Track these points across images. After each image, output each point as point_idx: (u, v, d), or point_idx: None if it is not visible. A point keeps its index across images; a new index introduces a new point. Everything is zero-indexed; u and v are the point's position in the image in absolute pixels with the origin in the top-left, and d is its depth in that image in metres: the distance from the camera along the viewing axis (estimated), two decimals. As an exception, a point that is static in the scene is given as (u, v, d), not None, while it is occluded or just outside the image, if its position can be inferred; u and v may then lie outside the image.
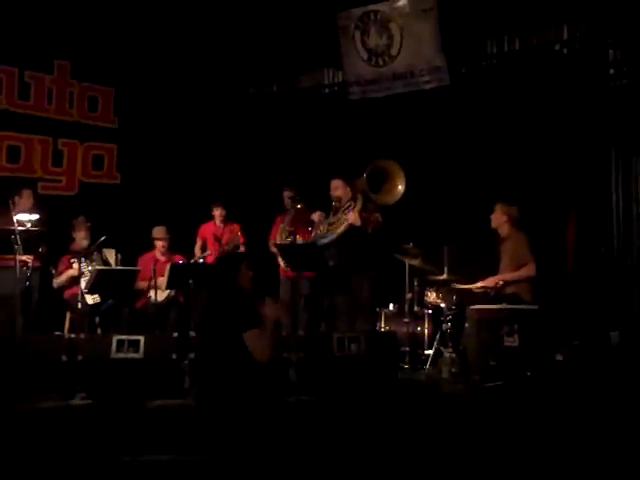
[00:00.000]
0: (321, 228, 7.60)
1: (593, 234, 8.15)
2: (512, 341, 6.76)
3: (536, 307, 7.02)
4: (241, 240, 8.45)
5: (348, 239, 7.41)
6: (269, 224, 8.45)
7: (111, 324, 7.72)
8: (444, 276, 7.55)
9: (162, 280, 7.73)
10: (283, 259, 7.88)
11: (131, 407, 5.93)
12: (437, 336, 7.58)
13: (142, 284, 7.88)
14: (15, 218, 7.17)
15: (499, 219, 7.54)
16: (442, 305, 7.57)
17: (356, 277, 7.44)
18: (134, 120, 9.80)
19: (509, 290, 7.29)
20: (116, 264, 8.00)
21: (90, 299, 7.65)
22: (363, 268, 7.46)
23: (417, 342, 7.83)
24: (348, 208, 7.47)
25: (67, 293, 7.83)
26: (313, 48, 9.54)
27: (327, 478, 4.13)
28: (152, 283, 7.73)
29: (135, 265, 8.05)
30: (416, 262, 7.76)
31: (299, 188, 8.16)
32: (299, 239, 7.82)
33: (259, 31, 9.58)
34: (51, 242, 7.79)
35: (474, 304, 7.18)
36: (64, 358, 6.30)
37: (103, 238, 7.59)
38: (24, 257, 7.23)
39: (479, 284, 7.46)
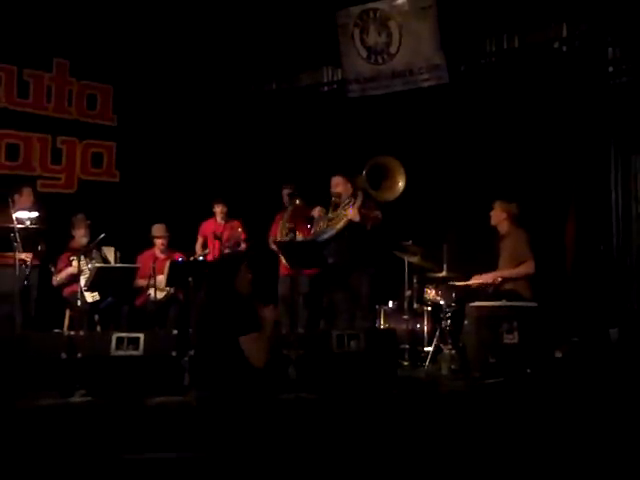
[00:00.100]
0: (321, 224, 7.62)
1: (592, 232, 8.16)
2: (511, 338, 6.76)
3: (535, 304, 7.03)
4: (242, 237, 8.46)
5: (347, 235, 7.43)
6: (269, 221, 8.45)
7: (111, 322, 7.72)
8: (443, 273, 7.55)
9: (161, 278, 7.73)
10: (283, 257, 7.89)
11: (131, 404, 5.92)
12: (436, 333, 7.57)
13: (141, 282, 7.89)
14: (14, 216, 7.18)
15: (499, 216, 7.55)
16: (441, 302, 7.56)
17: (355, 274, 7.46)
18: (133, 118, 9.80)
19: (508, 287, 7.29)
20: (115, 262, 8.01)
21: (89, 297, 7.66)
22: (362, 265, 7.48)
23: (416, 339, 7.83)
24: (348, 204, 7.49)
25: (66, 291, 7.83)
26: (312, 46, 9.54)
27: (327, 475, 4.13)
28: (151, 281, 7.73)
29: (134, 263, 8.05)
30: (415, 259, 7.76)
31: (298, 185, 8.17)
32: (298, 235, 7.83)
33: (259, 29, 9.58)
34: (50, 240, 7.79)
35: (473, 301, 7.18)
36: (64, 355, 6.28)
37: (102, 236, 7.59)
38: (23, 255, 7.24)
39: (477, 280, 7.47)
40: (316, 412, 5.76)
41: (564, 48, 8.30)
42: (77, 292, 7.41)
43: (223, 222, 8.60)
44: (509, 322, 6.79)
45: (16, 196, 7.68)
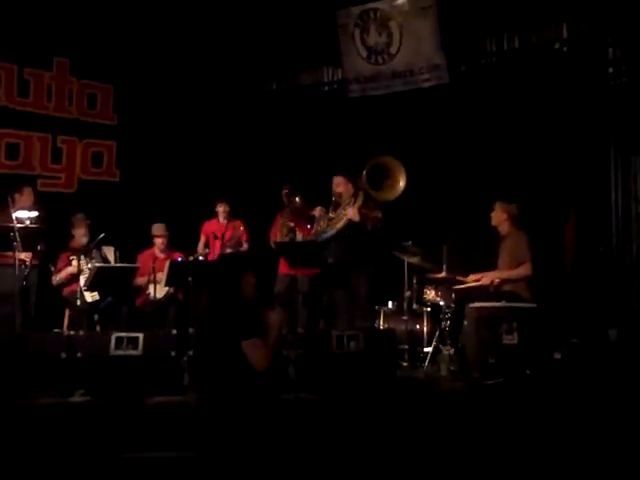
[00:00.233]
0: (321, 223, 7.64)
1: (592, 232, 8.16)
2: (511, 339, 6.76)
3: (535, 305, 7.03)
4: (244, 237, 8.47)
5: (347, 235, 7.46)
6: (271, 221, 8.44)
7: (110, 321, 7.72)
8: (443, 274, 7.55)
9: (161, 277, 7.72)
10: (283, 257, 7.90)
11: (130, 404, 5.93)
12: (436, 334, 7.57)
13: (141, 280, 7.89)
14: (14, 215, 7.17)
15: (499, 217, 7.55)
16: (441, 303, 7.56)
17: (354, 273, 7.47)
18: (133, 117, 9.79)
19: (507, 288, 7.29)
20: (115, 261, 8.00)
21: (89, 296, 7.66)
22: (362, 265, 7.49)
23: (416, 340, 7.82)
24: (349, 204, 7.51)
25: (66, 290, 7.82)
26: (313, 46, 9.54)
27: (326, 475, 4.13)
28: (151, 279, 7.73)
29: (134, 262, 8.05)
30: (415, 260, 7.76)
31: (297, 184, 8.17)
32: (298, 235, 7.85)
33: (259, 29, 9.57)
34: (50, 239, 7.79)
35: (473, 302, 7.18)
36: (63, 355, 6.28)
37: (102, 236, 7.59)
38: (23, 255, 7.23)
39: (474, 279, 7.47)
40: (315, 412, 5.76)
41: (564, 49, 8.29)
42: (77, 292, 7.41)
43: (225, 222, 8.61)
44: (508, 323, 6.80)
45: (16, 195, 7.68)
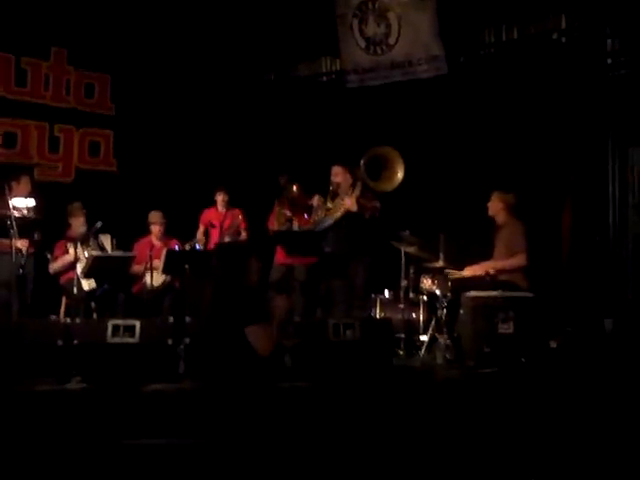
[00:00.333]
0: (319, 213, 7.65)
1: (589, 223, 8.16)
2: (507, 328, 6.78)
3: (531, 295, 7.04)
4: (242, 225, 8.48)
5: (345, 225, 7.46)
6: (269, 210, 8.44)
7: (107, 309, 7.71)
8: (440, 263, 7.56)
9: (158, 265, 7.73)
10: (280, 245, 7.91)
11: (126, 391, 5.93)
12: (432, 323, 7.57)
13: (138, 268, 7.90)
14: (11, 203, 7.17)
15: (496, 207, 7.55)
16: (437, 292, 7.56)
17: (352, 263, 7.48)
18: (131, 107, 9.78)
19: (504, 277, 7.30)
20: (112, 249, 8.00)
21: (86, 284, 7.65)
22: (359, 254, 7.50)
23: (412, 328, 7.83)
24: (347, 194, 7.52)
25: (63, 278, 7.83)
26: (311, 36, 9.54)
27: (322, 463, 4.14)
28: (148, 268, 7.74)
29: (131, 250, 8.06)
30: (412, 249, 7.76)
31: (294, 174, 8.17)
32: (295, 224, 7.86)
33: (257, 19, 9.57)
34: (47, 229, 7.78)
35: (469, 291, 7.19)
36: (60, 343, 6.28)
37: (99, 224, 7.59)
38: (19, 244, 7.23)
39: (469, 271, 7.48)
40: (311, 400, 5.77)
41: (563, 39, 8.29)
42: (73, 280, 7.40)
43: (224, 210, 8.62)
44: (505, 312, 6.82)
45: (13, 184, 7.65)
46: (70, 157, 9.56)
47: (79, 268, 7.54)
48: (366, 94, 9.35)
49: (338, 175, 7.65)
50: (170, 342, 6.38)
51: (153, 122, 9.77)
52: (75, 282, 7.35)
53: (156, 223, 8.24)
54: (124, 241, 8.15)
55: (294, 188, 7.91)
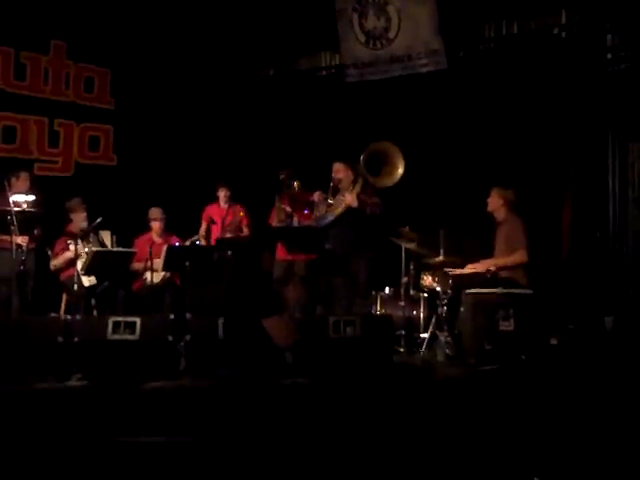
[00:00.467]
0: (320, 209, 7.65)
1: (589, 219, 8.16)
2: (507, 325, 6.79)
3: (531, 291, 7.04)
4: (244, 222, 8.47)
5: (346, 221, 7.46)
6: (271, 206, 8.43)
7: (107, 306, 7.70)
8: (440, 260, 7.56)
9: (158, 261, 7.72)
10: (280, 242, 7.90)
11: (127, 388, 5.93)
12: (433, 320, 7.59)
13: (138, 265, 7.90)
14: (11, 199, 7.15)
15: (495, 203, 7.54)
16: (438, 289, 7.57)
17: (354, 260, 7.48)
18: (131, 101, 9.75)
19: (504, 274, 7.29)
20: (112, 246, 7.99)
21: (86, 281, 7.64)
22: (361, 250, 7.49)
23: (413, 325, 7.85)
24: (348, 190, 7.51)
25: (63, 275, 7.81)
26: (311, 31, 9.52)
27: (322, 460, 4.14)
28: (148, 264, 7.73)
29: (131, 246, 8.05)
30: (412, 246, 7.76)
31: (295, 169, 8.16)
32: (295, 220, 7.85)
33: (257, 14, 9.54)
34: (47, 224, 7.76)
35: (470, 288, 7.19)
36: (60, 339, 6.27)
37: (100, 220, 7.58)
38: (19, 239, 7.22)
39: (471, 269, 7.47)
40: (312, 397, 5.78)
41: (563, 34, 8.28)
42: (74, 276, 7.39)
43: (226, 206, 8.61)
44: (505, 309, 6.82)
45: (13, 179, 7.66)
46: (70, 152, 9.53)
47: (79, 264, 7.53)
48: (366, 88, 9.34)
49: (339, 172, 7.64)
50: (171, 339, 6.40)
51: (153, 117, 9.75)
52: (75, 279, 7.35)
53: (156, 219, 8.22)
54: (124, 238, 8.14)
55: (294, 184, 7.90)
